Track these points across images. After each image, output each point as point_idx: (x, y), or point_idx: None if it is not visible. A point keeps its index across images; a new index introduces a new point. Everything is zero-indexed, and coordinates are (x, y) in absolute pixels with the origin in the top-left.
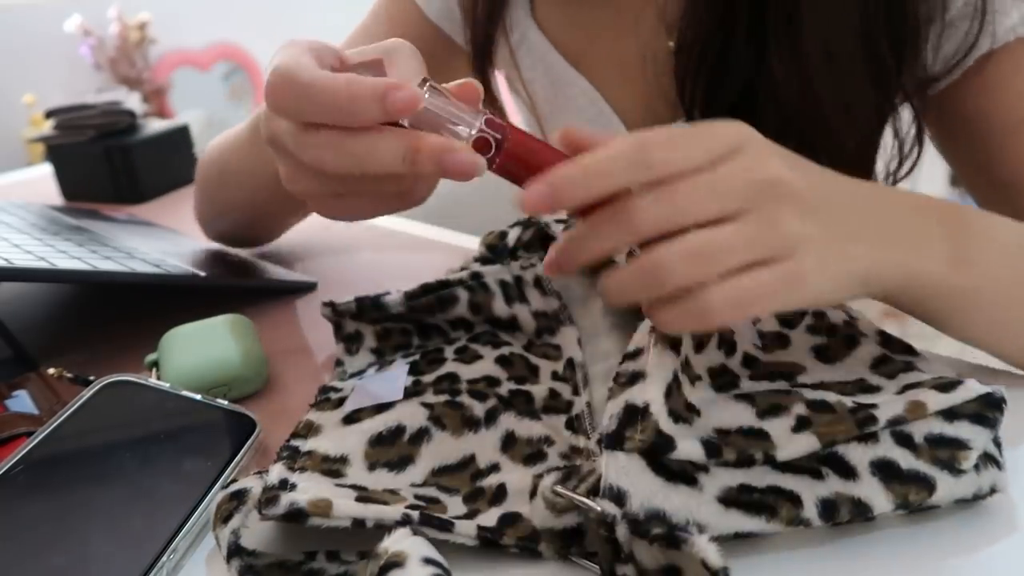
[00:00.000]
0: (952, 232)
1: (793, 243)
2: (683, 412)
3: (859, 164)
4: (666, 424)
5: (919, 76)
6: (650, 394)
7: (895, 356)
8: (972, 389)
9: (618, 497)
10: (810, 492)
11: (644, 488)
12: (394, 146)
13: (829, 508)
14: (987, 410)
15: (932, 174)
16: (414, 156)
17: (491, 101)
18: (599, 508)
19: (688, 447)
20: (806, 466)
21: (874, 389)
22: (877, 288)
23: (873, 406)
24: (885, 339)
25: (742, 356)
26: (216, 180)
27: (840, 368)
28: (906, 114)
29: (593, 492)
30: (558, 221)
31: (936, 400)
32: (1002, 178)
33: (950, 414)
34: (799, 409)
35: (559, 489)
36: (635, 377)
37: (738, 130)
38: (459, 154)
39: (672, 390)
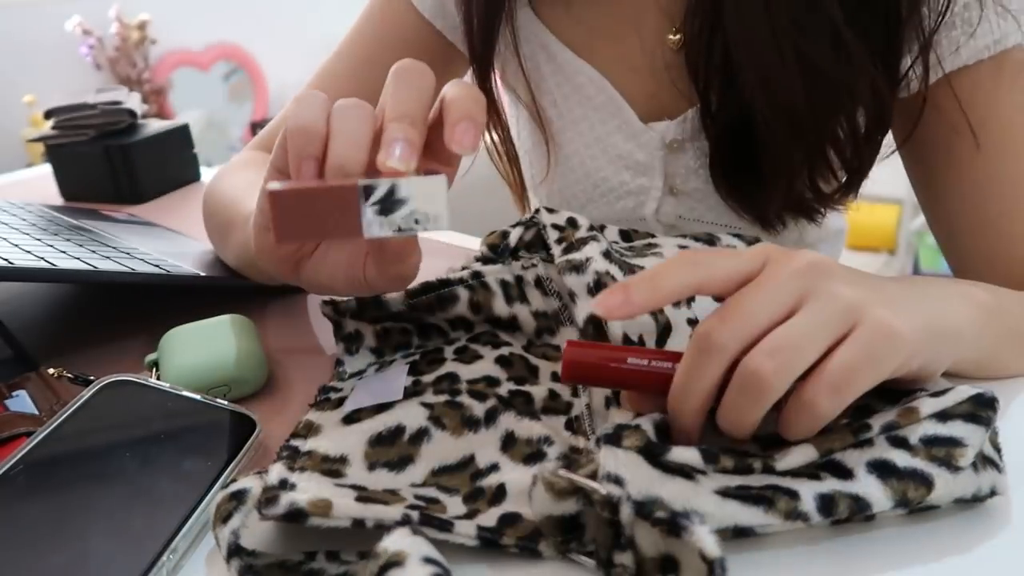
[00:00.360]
0: (1001, 335)
1: (859, 305)
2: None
3: (868, 141)
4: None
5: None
6: (641, 421)
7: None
8: (962, 392)
9: (617, 483)
10: (808, 489)
11: (641, 478)
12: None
13: (827, 503)
14: (980, 409)
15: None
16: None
17: (491, 104)
18: (603, 490)
19: (685, 453)
20: (804, 471)
21: (876, 412)
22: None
23: (867, 418)
24: None
25: None
26: (224, 228)
27: None
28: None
29: (592, 480)
30: (555, 227)
31: (928, 405)
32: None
33: (943, 415)
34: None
35: (561, 471)
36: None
37: (762, 248)
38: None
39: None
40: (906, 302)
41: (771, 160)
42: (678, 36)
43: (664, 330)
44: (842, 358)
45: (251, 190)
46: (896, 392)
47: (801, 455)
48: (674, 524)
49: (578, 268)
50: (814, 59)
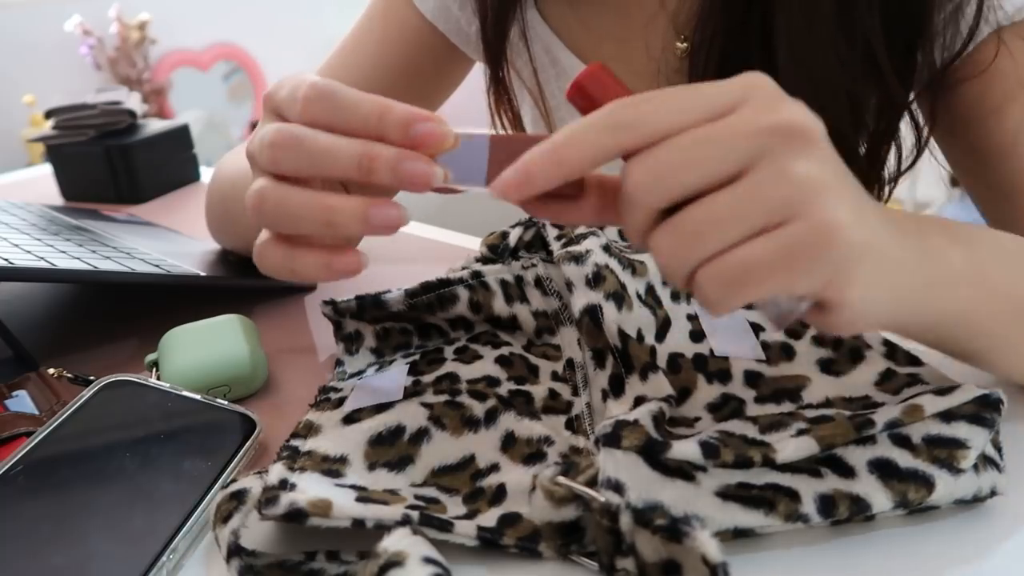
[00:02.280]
0: (970, 254)
1: (807, 193)
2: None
3: (871, 165)
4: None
5: (930, 70)
6: (638, 414)
7: (899, 369)
8: (969, 391)
9: (617, 489)
10: (808, 489)
11: (641, 481)
12: (351, 151)
13: (827, 504)
14: (984, 411)
15: (931, 175)
16: (370, 164)
17: (507, 100)
18: (602, 498)
19: (685, 448)
20: (804, 467)
21: (878, 406)
22: (911, 299)
23: (871, 412)
24: (890, 350)
25: (743, 375)
26: (224, 214)
27: (845, 383)
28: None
29: (591, 485)
30: (555, 225)
31: (933, 403)
32: (997, 171)
33: (947, 415)
34: (800, 424)
35: (560, 479)
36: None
37: (745, 80)
38: (416, 162)
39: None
40: (876, 212)
41: None
42: (685, 44)
43: (664, 324)
44: (746, 253)
45: None
46: (897, 376)
47: (801, 447)
48: (675, 530)
49: (577, 259)
50: (843, 80)
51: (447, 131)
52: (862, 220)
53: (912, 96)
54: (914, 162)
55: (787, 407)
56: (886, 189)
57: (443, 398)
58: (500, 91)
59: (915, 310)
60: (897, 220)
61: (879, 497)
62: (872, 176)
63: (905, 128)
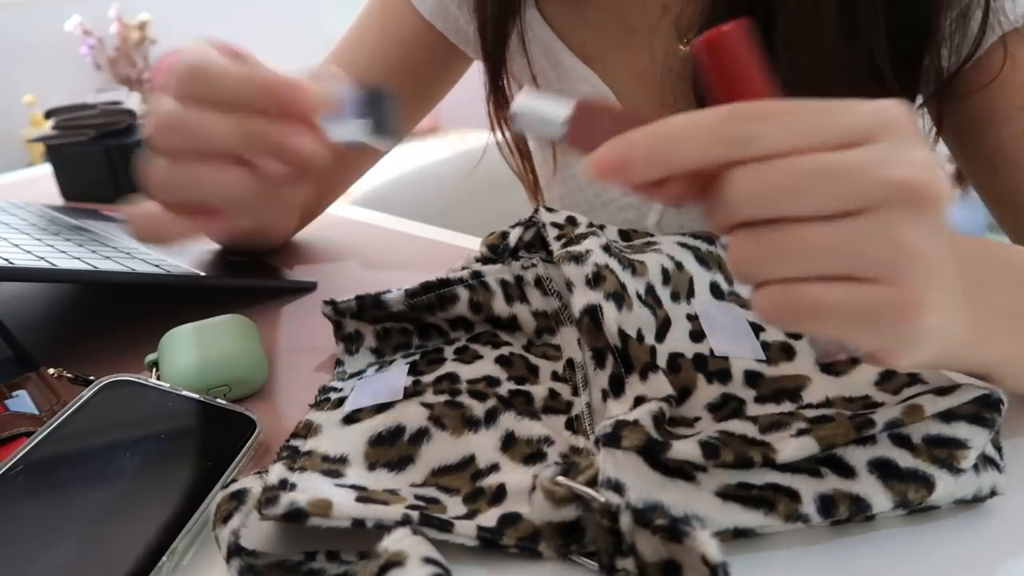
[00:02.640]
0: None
1: (911, 265)
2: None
3: None
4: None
5: (937, 77)
6: (638, 414)
7: (899, 370)
8: (969, 391)
9: (617, 489)
10: (808, 489)
11: (642, 482)
12: (229, 125)
13: (828, 504)
14: (985, 411)
15: None
16: (251, 142)
17: (503, 100)
18: (602, 498)
19: (685, 448)
20: (804, 466)
21: (878, 406)
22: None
23: (871, 412)
24: None
25: (743, 375)
26: None
27: (845, 382)
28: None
29: (591, 485)
30: (555, 224)
31: (933, 403)
32: (1009, 179)
33: (948, 415)
34: (800, 424)
35: (560, 479)
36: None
37: (881, 110)
38: (298, 136)
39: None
40: (959, 284)
41: None
42: (688, 46)
43: (664, 324)
44: (823, 294)
45: None
46: (897, 375)
47: (801, 447)
48: (675, 530)
49: (577, 259)
50: (845, 90)
51: (312, 95)
52: (947, 302)
53: (918, 104)
54: None
55: (787, 407)
56: None
57: (443, 398)
58: (500, 99)
59: (956, 361)
60: (973, 277)
61: (879, 497)
62: None
63: None
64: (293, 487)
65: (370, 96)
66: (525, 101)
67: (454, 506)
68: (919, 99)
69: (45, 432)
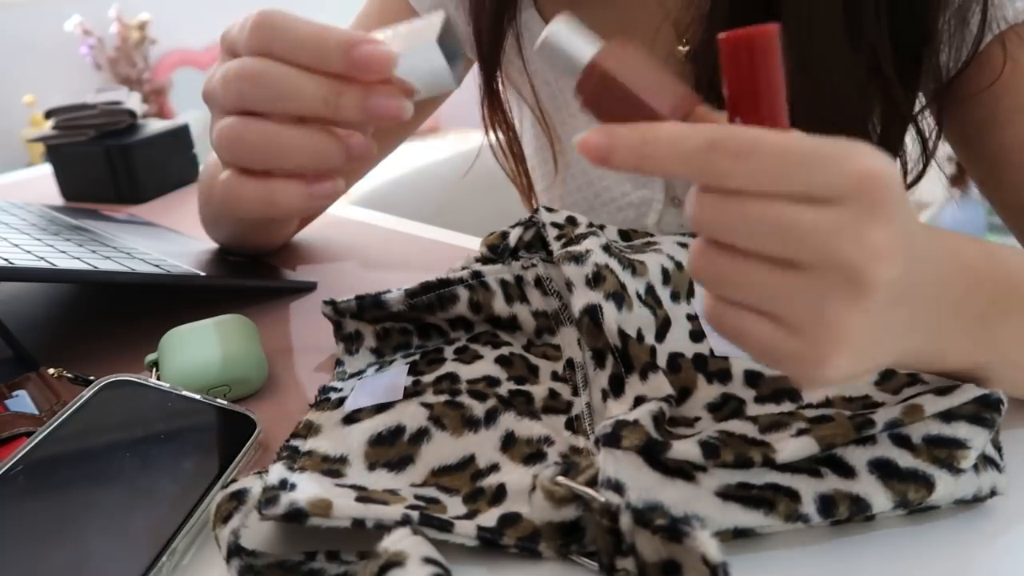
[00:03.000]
0: (993, 310)
1: (826, 335)
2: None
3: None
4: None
5: (937, 79)
6: (638, 414)
7: (899, 369)
8: (969, 391)
9: (617, 489)
10: (808, 489)
11: (642, 482)
12: (316, 87)
13: (828, 504)
14: (985, 411)
15: (931, 175)
16: (336, 100)
17: (501, 112)
18: (602, 498)
19: (685, 448)
20: (804, 466)
21: (877, 406)
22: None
23: (871, 412)
24: None
25: (743, 374)
26: (204, 204)
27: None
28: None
29: (591, 485)
30: (554, 224)
31: (933, 403)
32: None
33: (947, 415)
34: (800, 424)
35: (560, 479)
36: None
37: (861, 173)
38: (384, 97)
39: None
40: (903, 335)
41: None
42: (687, 48)
43: (664, 324)
44: (749, 326)
45: None
46: (896, 375)
47: (801, 447)
48: (675, 530)
49: (577, 259)
50: (849, 90)
51: (387, 52)
52: (860, 361)
53: (919, 107)
54: (920, 176)
55: (787, 407)
56: None
57: (443, 398)
58: (494, 103)
59: (915, 367)
60: (932, 298)
61: (879, 497)
62: None
63: (909, 140)
64: (293, 487)
65: (434, 26)
66: (559, 28)
67: (454, 506)
68: (920, 100)
69: (45, 432)
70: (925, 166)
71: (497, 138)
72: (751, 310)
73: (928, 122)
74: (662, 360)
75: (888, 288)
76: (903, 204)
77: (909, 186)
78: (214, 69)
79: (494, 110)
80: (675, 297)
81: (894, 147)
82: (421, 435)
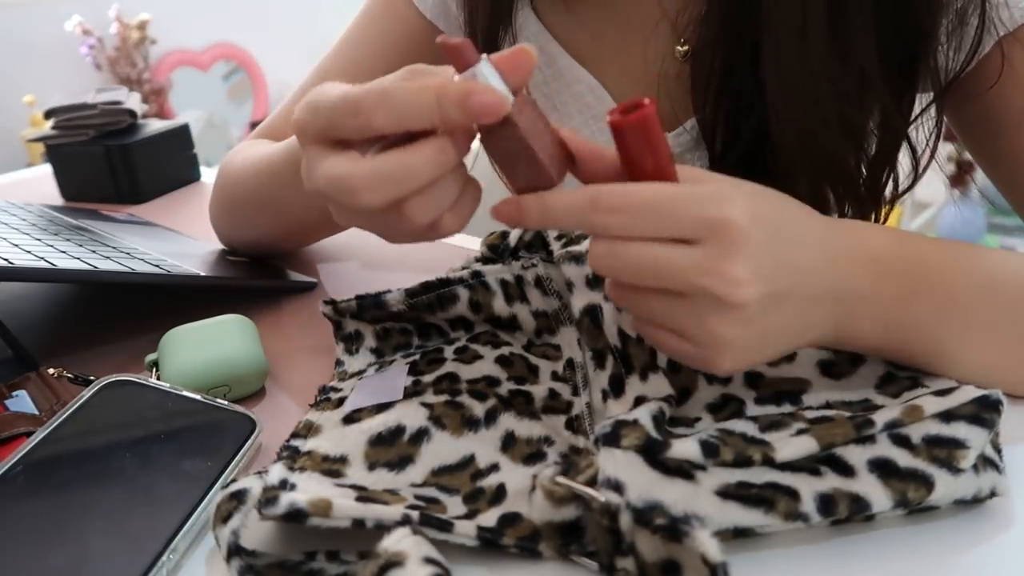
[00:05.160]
0: (903, 292)
1: (710, 340)
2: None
3: (869, 189)
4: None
5: (935, 82)
6: (638, 414)
7: (899, 373)
8: (968, 392)
9: (617, 489)
10: (808, 488)
11: (641, 481)
12: (425, 95)
13: (827, 503)
14: (984, 411)
15: (931, 175)
16: (441, 101)
17: None
18: (602, 498)
19: (685, 447)
20: (804, 465)
21: (878, 409)
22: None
23: (871, 412)
24: None
25: (744, 375)
26: (253, 204)
27: (846, 386)
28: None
29: (591, 485)
30: None
31: (933, 404)
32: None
33: (947, 416)
34: (800, 424)
35: (560, 479)
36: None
37: (715, 218)
38: (481, 95)
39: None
40: (787, 327)
41: (776, 172)
42: (685, 48)
43: None
44: (655, 336)
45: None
46: (898, 379)
47: (801, 447)
48: (674, 530)
49: (577, 259)
50: (839, 101)
51: (500, 98)
52: (744, 356)
53: (915, 114)
54: (912, 185)
55: (787, 408)
56: (883, 211)
57: (443, 398)
58: None
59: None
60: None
61: (879, 496)
62: (870, 201)
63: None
64: (293, 487)
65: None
66: (483, 68)
67: (454, 506)
68: (920, 103)
69: (45, 432)
70: (917, 170)
71: None
72: (656, 325)
73: (926, 126)
74: (662, 360)
75: (757, 303)
76: (763, 234)
77: (905, 191)
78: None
79: None
80: None
81: (890, 153)
82: (421, 435)
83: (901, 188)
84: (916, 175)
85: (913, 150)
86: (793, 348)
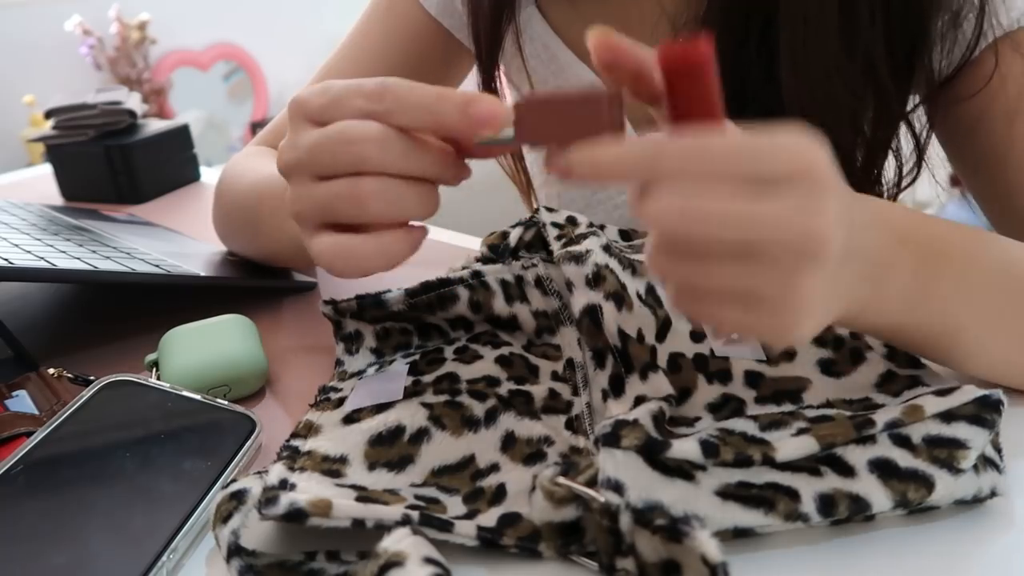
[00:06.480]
0: (925, 266)
1: (803, 307)
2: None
3: (867, 175)
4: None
5: (929, 80)
6: (638, 414)
7: (900, 372)
8: (969, 392)
9: (617, 489)
10: (808, 488)
11: (641, 481)
12: (427, 99)
13: (827, 503)
14: (984, 411)
15: (930, 176)
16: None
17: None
18: (602, 498)
19: (685, 447)
20: (804, 465)
21: (878, 407)
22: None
23: (872, 412)
24: (891, 351)
25: (744, 375)
26: (252, 222)
27: (846, 384)
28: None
29: (591, 485)
30: (555, 224)
31: (933, 403)
32: (1009, 183)
33: (947, 416)
34: (800, 423)
35: (560, 479)
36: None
37: (799, 156)
38: (482, 104)
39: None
40: (842, 295)
41: None
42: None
43: (664, 324)
44: (721, 313)
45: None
46: (898, 378)
47: (801, 447)
48: (674, 530)
49: (577, 259)
50: (843, 92)
51: (503, 107)
52: (821, 319)
53: (911, 106)
54: (915, 177)
55: (787, 407)
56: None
57: (443, 398)
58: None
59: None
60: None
61: (879, 496)
62: (868, 186)
63: (905, 142)
64: (293, 487)
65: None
66: None
67: (454, 506)
68: (912, 101)
69: (45, 432)
70: (917, 166)
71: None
72: (716, 297)
73: (920, 121)
74: (662, 360)
75: (838, 251)
76: (838, 174)
77: (906, 186)
78: (287, 142)
79: None
80: None
81: (884, 147)
82: (421, 435)
83: (905, 181)
84: (918, 163)
85: (916, 140)
86: (836, 315)
